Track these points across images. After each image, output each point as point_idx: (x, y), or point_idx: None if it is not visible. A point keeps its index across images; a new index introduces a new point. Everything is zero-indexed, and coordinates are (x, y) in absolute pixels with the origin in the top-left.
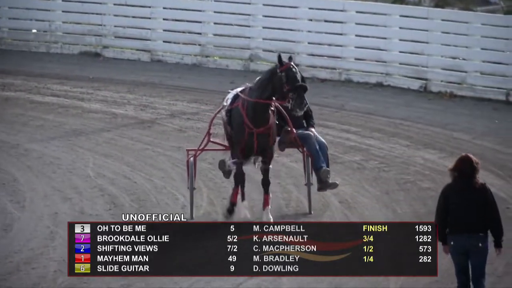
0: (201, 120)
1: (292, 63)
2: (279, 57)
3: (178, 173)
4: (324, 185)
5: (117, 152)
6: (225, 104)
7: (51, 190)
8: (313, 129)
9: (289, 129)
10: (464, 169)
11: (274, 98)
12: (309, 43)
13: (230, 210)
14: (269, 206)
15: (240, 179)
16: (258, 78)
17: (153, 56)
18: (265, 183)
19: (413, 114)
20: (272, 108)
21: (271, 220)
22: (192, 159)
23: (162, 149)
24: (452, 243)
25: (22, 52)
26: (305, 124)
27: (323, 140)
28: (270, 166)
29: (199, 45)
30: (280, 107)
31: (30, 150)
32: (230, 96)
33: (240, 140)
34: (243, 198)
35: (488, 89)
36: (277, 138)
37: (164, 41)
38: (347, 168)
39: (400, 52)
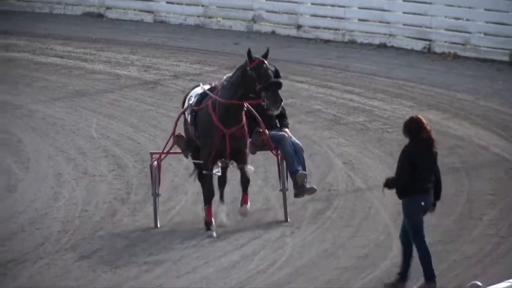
0: (204, 81)
1: (263, 59)
2: (249, 53)
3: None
4: (301, 190)
5: (121, 113)
6: (190, 103)
7: (54, 150)
8: (287, 130)
9: (261, 130)
10: (421, 130)
11: (250, 97)
12: (312, 3)
13: (210, 233)
14: (248, 204)
15: (210, 197)
16: (228, 75)
17: (156, 17)
18: (244, 181)
19: (417, 75)
20: (244, 108)
21: (247, 214)
22: (155, 163)
23: (166, 110)
24: (422, 203)
25: (25, 13)
26: (278, 125)
27: (298, 142)
28: (250, 167)
29: (202, 6)
30: (251, 108)
31: (34, 111)
32: (195, 92)
33: (208, 144)
34: (221, 200)
35: (491, 50)
36: (248, 140)
37: (167, 2)
38: (351, 129)
39: (404, 13)
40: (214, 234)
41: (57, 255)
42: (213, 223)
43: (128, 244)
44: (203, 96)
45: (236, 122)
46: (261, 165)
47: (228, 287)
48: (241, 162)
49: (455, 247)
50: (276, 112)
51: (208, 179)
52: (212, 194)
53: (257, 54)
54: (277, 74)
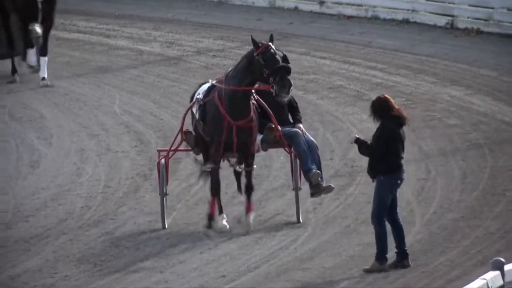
0: (227, 57)
1: (269, 43)
2: (253, 39)
3: None
4: (317, 189)
5: (143, 89)
6: (198, 97)
7: (77, 126)
8: (300, 125)
9: (273, 125)
10: (390, 109)
11: (257, 85)
12: None
13: (208, 226)
14: (253, 212)
15: (217, 189)
16: (234, 65)
17: None
18: (248, 189)
19: (440, 51)
20: (254, 102)
21: (250, 231)
22: (163, 160)
23: (188, 86)
24: (399, 181)
25: None
26: (291, 120)
27: (312, 139)
28: (254, 166)
29: None
30: (262, 101)
31: (57, 87)
32: (202, 89)
33: (216, 137)
34: (220, 211)
35: None
36: (259, 136)
37: None
38: None
39: None
40: (210, 229)
41: (80, 230)
42: (216, 218)
43: (151, 220)
44: (210, 89)
45: (244, 113)
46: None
47: (251, 263)
48: (247, 160)
49: (478, 223)
50: (286, 98)
51: (216, 171)
52: (218, 186)
53: (267, 35)
54: (285, 59)
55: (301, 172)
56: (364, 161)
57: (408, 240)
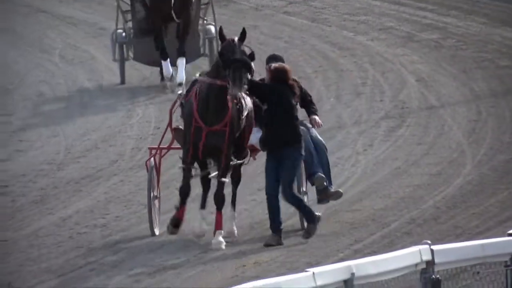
0: None
1: (234, 38)
2: (220, 32)
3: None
4: (324, 194)
5: None
6: (179, 93)
7: (128, 69)
8: (316, 117)
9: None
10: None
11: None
12: None
13: (173, 227)
14: (221, 231)
15: (186, 191)
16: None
17: None
18: (217, 198)
19: None
20: (245, 104)
21: (223, 247)
22: (152, 160)
23: (238, 28)
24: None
25: None
26: (307, 114)
27: (320, 139)
28: (226, 180)
29: None
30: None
31: (107, 29)
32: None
33: (188, 138)
34: (203, 206)
35: None
36: (257, 134)
37: None
38: (424, 47)
39: None
40: (175, 232)
41: (131, 172)
42: (192, 230)
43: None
44: (193, 84)
45: (217, 116)
46: (334, 83)
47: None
48: (220, 169)
49: None
50: (236, 93)
51: (187, 174)
52: (188, 193)
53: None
54: (251, 56)
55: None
56: (414, 102)
57: (459, 182)
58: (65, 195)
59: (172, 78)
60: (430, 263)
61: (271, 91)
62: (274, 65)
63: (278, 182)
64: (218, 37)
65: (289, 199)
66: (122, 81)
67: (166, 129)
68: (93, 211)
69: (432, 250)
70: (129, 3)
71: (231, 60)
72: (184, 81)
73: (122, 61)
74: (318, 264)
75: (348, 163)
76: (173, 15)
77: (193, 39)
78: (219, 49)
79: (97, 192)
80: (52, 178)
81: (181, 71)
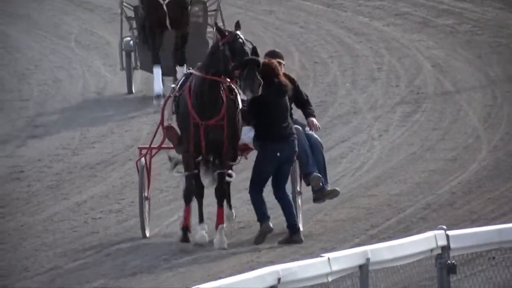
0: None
1: (237, 32)
2: (218, 27)
3: (270, 37)
4: (320, 194)
5: None
6: (172, 87)
7: None
8: (313, 119)
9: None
10: (276, 75)
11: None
12: None
13: (184, 239)
14: (224, 225)
15: (190, 196)
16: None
17: None
18: (219, 193)
19: None
20: (236, 97)
21: (225, 245)
22: (143, 160)
23: (254, 13)
24: (278, 154)
25: None
26: (293, 116)
27: (316, 137)
28: (231, 173)
29: None
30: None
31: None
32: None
33: (184, 136)
34: (201, 219)
35: None
36: (250, 134)
37: None
38: (440, 32)
39: None
40: (186, 241)
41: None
42: (191, 227)
43: None
44: (186, 78)
45: (213, 110)
46: (349, 68)
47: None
48: (222, 160)
49: None
50: (251, 95)
51: (190, 178)
52: (194, 192)
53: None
54: (254, 51)
55: (301, 175)
56: (429, 88)
57: (474, 167)
58: (80, 180)
59: (160, 98)
60: (446, 249)
61: (259, 106)
62: (262, 62)
63: (266, 178)
64: (216, 33)
65: (281, 198)
66: (129, 91)
67: (158, 127)
68: (108, 196)
69: (447, 236)
70: (133, 9)
71: (246, 60)
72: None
73: (129, 70)
74: (333, 249)
75: (364, 148)
76: (167, 22)
77: (201, 46)
78: (227, 45)
79: (112, 177)
80: (67, 163)
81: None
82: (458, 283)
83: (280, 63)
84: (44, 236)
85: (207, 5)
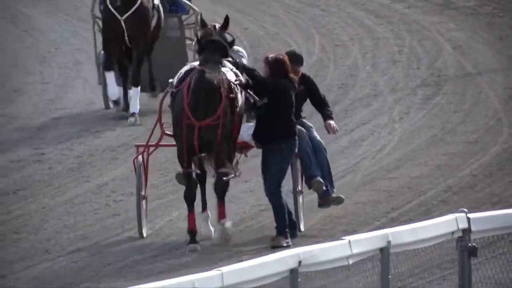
0: None
1: (215, 24)
2: (201, 20)
3: (291, 20)
4: (325, 199)
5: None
6: (171, 81)
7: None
8: (331, 122)
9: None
10: (287, 72)
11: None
12: None
13: (193, 247)
14: (226, 218)
15: (191, 195)
16: None
17: None
18: (218, 187)
19: None
20: (237, 94)
21: (229, 237)
22: (140, 157)
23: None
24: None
25: None
26: (303, 119)
27: (320, 140)
28: (228, 172)
29: None
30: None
31: None
32: (181, 71)
33: (180, 137)
34: (204, 207)
35: None
36: (249, 132)
37: None
38: (461, 14)
39: None
40: (199, 247)
41: (168, 140)
42: (199, 232)
43: None
44: (187, 73)
45: (209, 109)
46: (370, 51)
47: (337, 172)
48: (217, 160)
49: None
50: (211, 75)
51: (188, 179)
52: (194, 198)
53: None
54: (231, 43)
55: (303, 176)
56: (450, 70)
57: (495, 150)
58: (101, 163)
59: (118, 102)
60: (467, 231)
61: (274, 87)
62: (272, 56)
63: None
64: (199, 24)
65: (272, 198)
66: (106, 106)
67: (156, 124)
68: (129, 178)
69: (468, 218)
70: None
71: (205, 41)
72: (137, 112)
73: (105, 85)
74: (354, 232)
75: (385, 131)
76: (126, 38)
77: (181, 59)
78: (198, 35)
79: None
80: (88, 145)
81: (134, 101)
82: (479, 265)
83: (291, 65)
84: (65, 218)
85: (184, 18)
